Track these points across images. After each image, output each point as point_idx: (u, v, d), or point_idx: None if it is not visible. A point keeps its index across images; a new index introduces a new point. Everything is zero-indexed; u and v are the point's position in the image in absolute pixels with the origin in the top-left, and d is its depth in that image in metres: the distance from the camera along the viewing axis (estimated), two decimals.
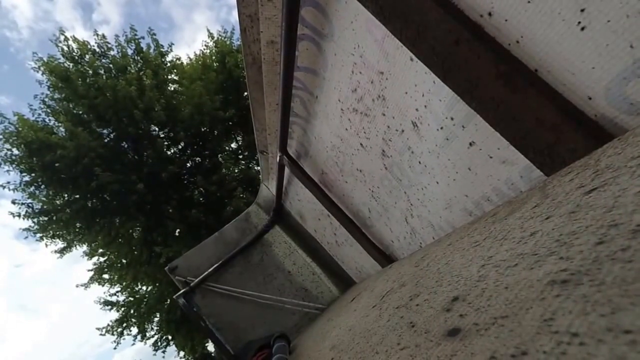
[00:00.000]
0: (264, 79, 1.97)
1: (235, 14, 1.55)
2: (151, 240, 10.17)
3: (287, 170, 2.73)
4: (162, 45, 11.40)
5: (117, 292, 11.57)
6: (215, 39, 12.09)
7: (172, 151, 11.29)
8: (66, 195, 9.65)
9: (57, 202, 9.74)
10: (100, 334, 11.28)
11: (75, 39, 10.15)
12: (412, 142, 1.43)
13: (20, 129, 9.21)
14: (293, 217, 3.66)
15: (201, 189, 10.80)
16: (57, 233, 10.00)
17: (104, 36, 10.60)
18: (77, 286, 11.32)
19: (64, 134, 9.60)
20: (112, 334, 11.28)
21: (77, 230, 10.07)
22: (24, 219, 9.49)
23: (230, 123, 11.61)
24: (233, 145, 12.88)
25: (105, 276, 11.25)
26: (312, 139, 2.29)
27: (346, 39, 1.42)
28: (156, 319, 11.80)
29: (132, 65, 10.71)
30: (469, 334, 0.51)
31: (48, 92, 9.98)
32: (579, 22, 0.70)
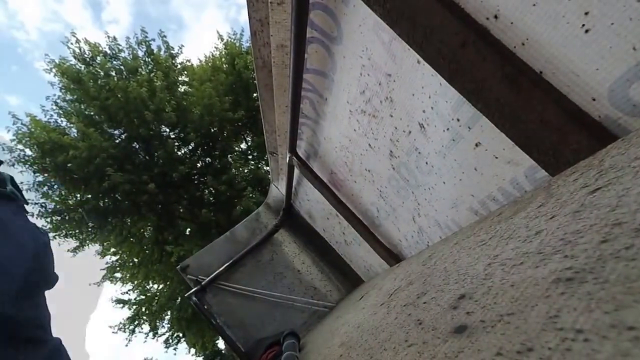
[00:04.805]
0: (273, 81, 1.99)
1: (244, 13, 1.56)
2: (162, 239, 10.30)
3: (296, 171, 2.75)
4: (172, 47, 11.52)
5: (129, 290, 11.73)
6: (225, 40, 12.17)
7: (182, 152, 11.39)
8: (78, 195, 9.81)
9: (70, 202, 9.90)
10: (113, 332, 11.46)
11: (86, 41, 10.29)
12: (419, 143, 1.44)
13: (33, 130, 9.38)
14: (302, 216, 3.68)
15: (211, 188, 10.88)
16: (70, 232, 10.18)
17: (115, 38, 10.74)
18: (90, 285, 11.53)
19: (76, 135, 9.75)
20: (124, 332, 11.46)
21: (89, 229, 10.23)
22: (37, 218, 9.70)
23: (240, 124, 11.67)
24: (243, 145, 12.96)
25: (117, 275, 11.41)
26: (321, 140, 2.30)
27: (354, 41, 1.44)
28: (167, 317, 11.93)
29: (143, 67, 10.83)
30: (475, 331, 0.52)
31: (60, 94, 10.14)
32: (583, 25, 0.71)
